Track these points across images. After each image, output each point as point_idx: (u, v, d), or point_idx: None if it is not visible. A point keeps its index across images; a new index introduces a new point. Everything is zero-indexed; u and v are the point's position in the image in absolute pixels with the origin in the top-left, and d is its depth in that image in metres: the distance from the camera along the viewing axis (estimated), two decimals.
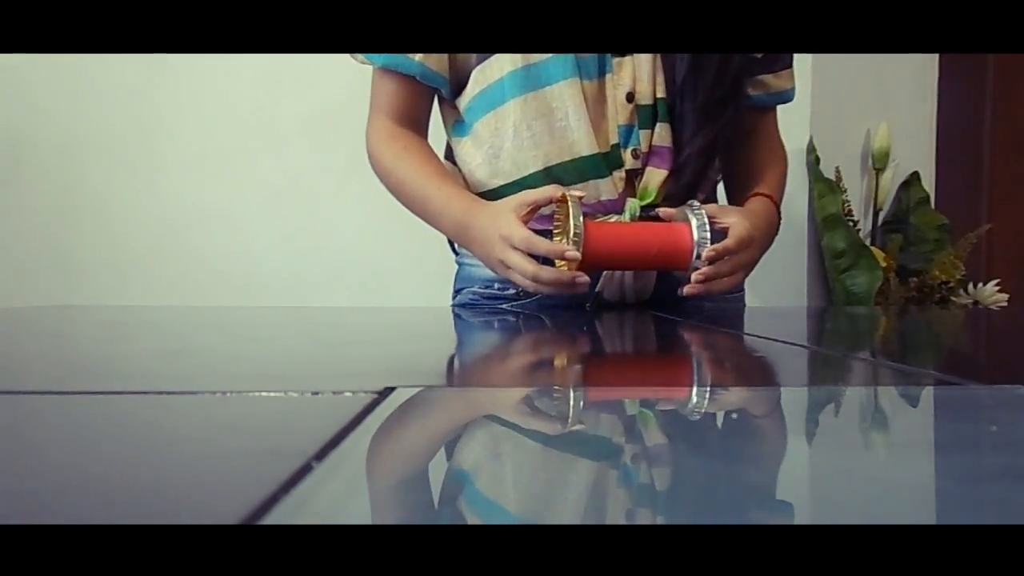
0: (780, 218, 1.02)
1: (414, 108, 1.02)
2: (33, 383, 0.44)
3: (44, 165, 1.80)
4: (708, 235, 0.85)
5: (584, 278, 0.85)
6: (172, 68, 1.76)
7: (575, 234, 0.83)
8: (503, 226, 0.88)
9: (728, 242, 0.87)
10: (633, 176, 0.95)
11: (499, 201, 0.92)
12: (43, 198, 1.80)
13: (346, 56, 1.02)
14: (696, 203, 0.88)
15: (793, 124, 1.14)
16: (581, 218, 0.84)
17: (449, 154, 1.07)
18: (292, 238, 1.79)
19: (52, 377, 0.47)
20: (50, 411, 0.34)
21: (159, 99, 1.78)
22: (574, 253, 0.83)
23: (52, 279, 1.80)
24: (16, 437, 0.30)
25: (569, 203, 0.84)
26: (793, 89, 1.07)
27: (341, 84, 1.72)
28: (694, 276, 0.86)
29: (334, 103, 1.75)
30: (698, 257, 0.85)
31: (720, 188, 1.11)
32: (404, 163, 1.00)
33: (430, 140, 1.05)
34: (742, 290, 1.10)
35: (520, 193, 0.91)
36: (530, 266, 0.86)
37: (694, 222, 0.85)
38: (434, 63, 0.97)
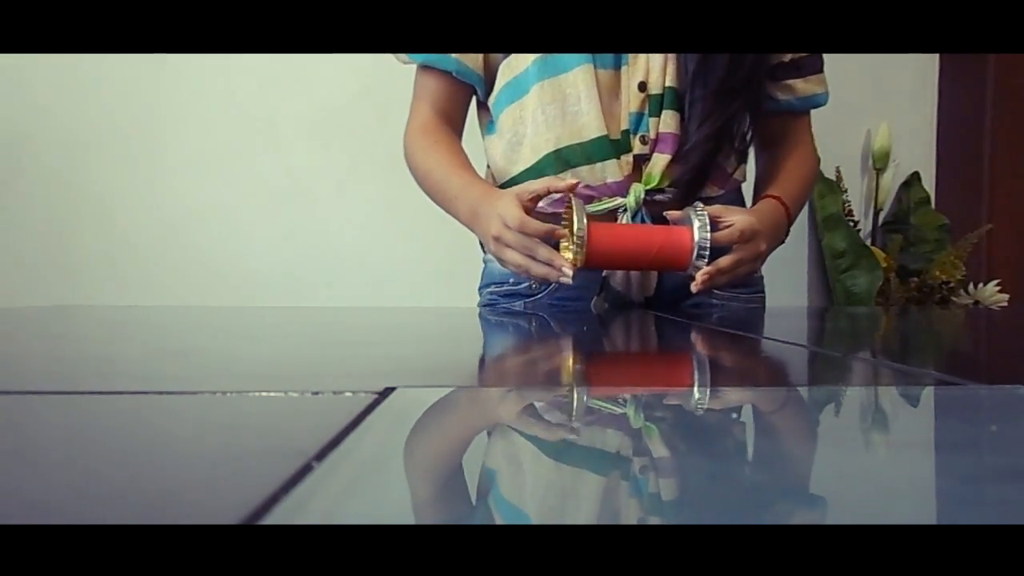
0: (790, 220, 1.03)
1: (450, 105, 1.06)
2: (33, 383, 0.44)
3: (45, 164, 1.80)
4: (708, 236, 0.88)
5: (569, 273, 0.88)
6: (173, 68, 1.76)
7: (578, 235, 0.86)
8: (502, 207, 0.91)
9: (732, 233, 0.91)
10: (641, 161, 0.99)
11: (506, 189, 0.96)
12: (44, 198, 1.80)
13: (346, 56, 1.03)
14: (700, 205, 0.91)
15: (814, 137, 1.14)
16: (585, 220, 0.87)
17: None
18: (292, 238, 1.79)
19: (52, 377, 0.47)
20: (50, 411, 0.34)
21: (160, 99, 1.78)
22: (563, 231, 0.88)
23: (52, 279, 1.80)
24: (16, 437, 0.30)
25: (574, 205, 0.87)
26: (825, 94, 1.07)
27: (342, 84, 1.72)
28: (698, 275, 0.89)
29: (335, 103, 1.75)
30: (699, 258, 0.88)
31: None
32: (431, 155, 1.04)
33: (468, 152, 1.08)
34: (762, 292, 1.10)
35: (524, 183, 0.95)
36: (526, 241, 0.89)
37: (696, 224, 0.88)
38: (470, 61, 1.02)
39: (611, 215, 0.97)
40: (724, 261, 0.90)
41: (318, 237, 1.79)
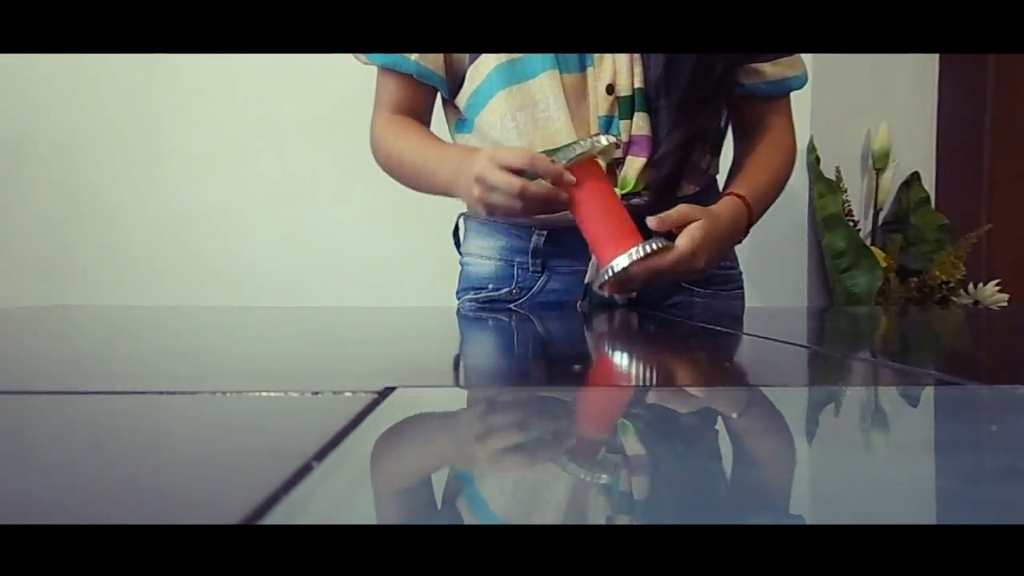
0: (752, 218, 1.00)
1: (414, 105, 1.05)
2: (33, 383, 0.44)
3: (44, 165, 1.80)
4: (627, 266, 0.86)
5: (565, 195, 0.86)
6: (172, 68, 1.76)
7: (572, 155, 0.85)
8: (493, 152, 0.89)
9: (670, 262, 0.88)
10: (615, 166, 0.97)
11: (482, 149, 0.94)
12: (43, 198, 1.80)
13: (346, 56, 1.03)
14: (655, 243, 0.87)
15: (793, 124, 1.13)
16: (579, 152, 0.86)
17: None
18: (292, 238, 1.79)
19: (52, 377, 0.47)
20: (50, 411, 0.34)
21: (159, 99, 1.78)
22: (560, 169, 0.85)
23: (52, 279, 1.80)
24: (16, 437, 0.30)
25: (592, 142, 0.87)
26: (797, 77, 1.04)
27: (341, 84, 1.72)
28: (604, 287, 0.90)
29: (334, 103, 1.75)
30: (607, 272, 0.87)
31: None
32: (402, 140, 1.02)
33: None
34: (741, 288, 1.10)
35: (502, 149, 0.91)
36: (516, 180, 0.86)
37: (634, 251, 0.86)
38: (430, 63, 1.00)
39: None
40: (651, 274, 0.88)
41: (318, 237, 1.79)
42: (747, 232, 1.01)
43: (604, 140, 0.88)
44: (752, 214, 0.99)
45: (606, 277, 0.88)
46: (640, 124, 0.96)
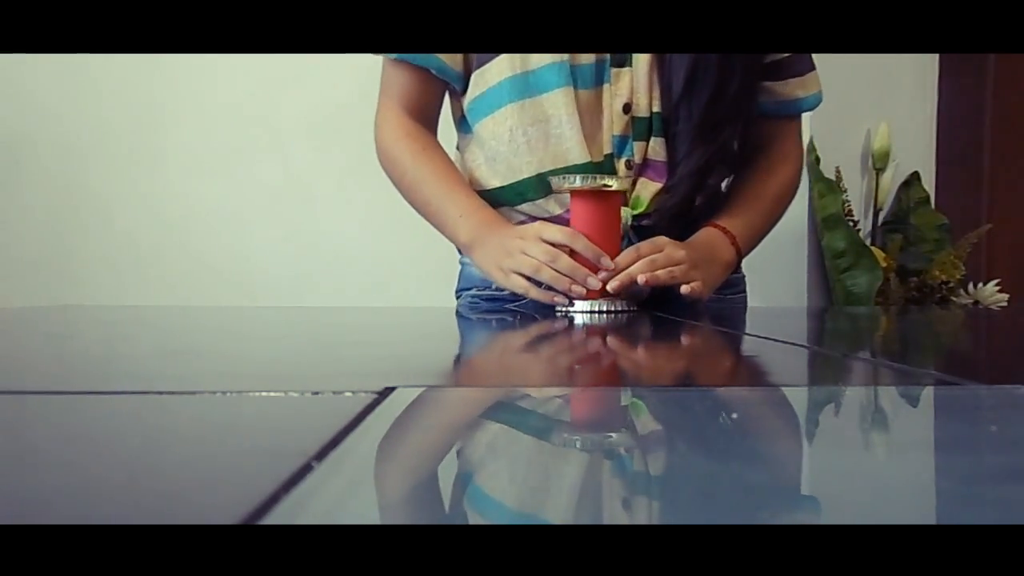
0: (735, 244, 0.98)
1: (425, 100, 1.02)
2: (33, 383, 0.44)
3: (44, 165, 1.80)
4: (573, 306, 0.88)
5: (596, 283, 0.85)
6: (172, 68, 1.76)
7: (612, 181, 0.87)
8: (543, 227, 0.88)
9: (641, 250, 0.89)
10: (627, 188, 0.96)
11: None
12: (43, 198, 1.80)
13: (346, 56, 1.03)
14: (620, 303, 0.88)
15: (802, 146, 1.11)
16: (579, 185, 0.87)
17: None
18: (292, 238, 1.79)
19: (52, 377, 0.47)
20: (50, 411, 0.34)
21: (159, 99, 1.78)
22: (609, 262, 0.86)
23: (52, 279, 1.80)
24: (16, 437, 0.30)
25: (598, 181, 0.88)
26: (808, 98, 1.02)
27: (342, 84, 1.72)
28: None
29: (335, 103, 1.75)
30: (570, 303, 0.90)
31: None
32: (424, 166, 0.99)
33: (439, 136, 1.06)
34: (743, 292, 1.10)
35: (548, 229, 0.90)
36: (552, 249, 0.86)
37: (587, 303, 0.88)
38: (448, 58, 0.98)
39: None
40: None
41: (318, 237, 1.79)
42: (738, 259, 1.00)
43: (612, 183, 0.88)
44: (737, 242, 0.98)
45: (559, 311, 0.89)
46: (656, 149, 0.95)
